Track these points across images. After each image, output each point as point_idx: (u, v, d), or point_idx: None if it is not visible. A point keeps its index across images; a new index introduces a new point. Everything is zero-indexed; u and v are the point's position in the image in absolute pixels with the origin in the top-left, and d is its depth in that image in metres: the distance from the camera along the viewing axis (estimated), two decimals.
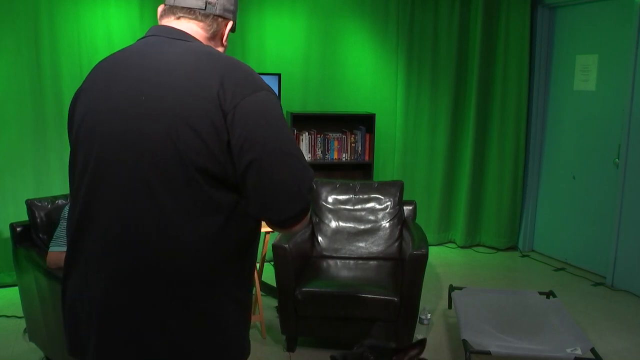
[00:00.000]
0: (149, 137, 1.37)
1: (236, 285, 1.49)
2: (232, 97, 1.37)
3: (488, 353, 3.20)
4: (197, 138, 1.35)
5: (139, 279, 1.39)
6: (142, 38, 1.54)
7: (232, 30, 1.64)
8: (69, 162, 1.55)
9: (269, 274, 5.04)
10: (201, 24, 1.55)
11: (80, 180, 1.48)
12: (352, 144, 5.52)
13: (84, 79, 4.76)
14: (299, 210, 1.41)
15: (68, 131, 1.58)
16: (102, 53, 4.83)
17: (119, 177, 1.40)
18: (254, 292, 4.13)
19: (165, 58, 1.43)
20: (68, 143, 4.84)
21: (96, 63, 4.78)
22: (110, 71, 1.48)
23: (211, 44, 1.58)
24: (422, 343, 2.08)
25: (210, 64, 1.41)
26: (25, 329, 3.79)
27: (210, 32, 1.57)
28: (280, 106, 1.47)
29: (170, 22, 1.55)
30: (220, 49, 1.62)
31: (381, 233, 4.25)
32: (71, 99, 1.57)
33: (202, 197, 1.38)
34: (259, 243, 1.58)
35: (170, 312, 1.40)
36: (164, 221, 1.38)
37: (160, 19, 1.58)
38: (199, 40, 1.54)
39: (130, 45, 1.53)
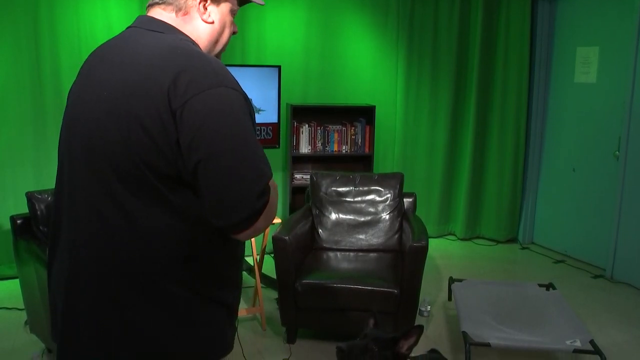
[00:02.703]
0: (106, 134, 1.37)
1: (206, 285, 1.45)
2: (183, 94, 1.30)
3: (488, 345, 3.21)
4: (147, 136, 1.32)
5: (102, 276, 1.40)
6: (128, 28, 1.52)
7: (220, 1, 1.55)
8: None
9: (269, 266, 5.04)
10: (164, 5, 1.49)
11: (59, 178, 1.53)
12: (352, 136, 5.51)
13: None
14: (245, 217, 1.32)
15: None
16: None
17: (82, 176, 1.42)
18: (254, 285, 4.13)
19: (133, 53, 1.41)
20: None
21: None
22: (89, 67, 1.49)
23: (188, 26, 1.50)
24: (419, 330, 2.10)
25: (169, 59, 1.35)
26: (26, 320, 3.80)
27: (175, 11, 1.49)
28: (245, 105, 1.38)
29: (150, 11, 1.52)
30: (204, 29, 1.53)
31: (381, 225, 4.25)
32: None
33: (158, 197, 1.35)
34: (236, 242, 1.51)
35: (134, 311, 1.38)
36: (126, 221, 1.36)
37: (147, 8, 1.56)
38: (176, 28, 1.48)
39: (115, 37, 1.51)
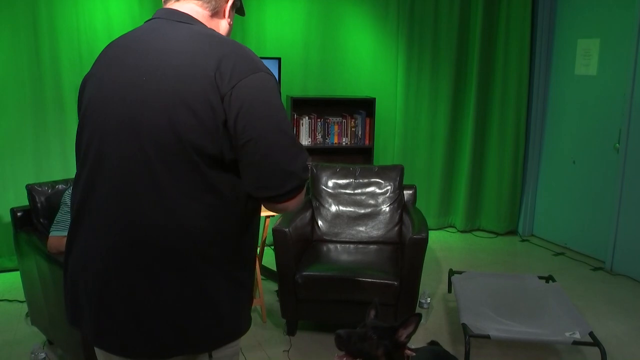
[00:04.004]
0: (148, 117, 1.43)
1: (231, 264, 1.53)
2: (229, 79, 1.41)
3: (487, 337, 3.22)
4: (194, 117, 1.40)
5: (135, 251, 1.45)
6: (148, 21, 1.59)
7: (237, 6, 1.68)
8: (76, 141, 1.61)
9: (269, 258, 5.05)
10: (200, 2, 1.58)
11: (85, 160, 1.55)
12: (352, 128, 5.51)
13: (83, 63, 4.80)
14: (294, 187, 1.47)
15: (78, 113, 1.65)
16: (101, 37, 4.81)
17: (119, 157, 1.46)
18: (254, 276, 4.14)
19: (166, 41, 1.48)
20: (68, 128, 4.86)
21: (96, 48, 4.80)
22: (114, 56, 1.54)
23: (214, 22, 1.61)
24: (417, 318, 2.11)
25: (209, 47, 1.45)
26: (27, 313, 3.81)
27: (210, 9, 1.59)
28: (279, 89, 1.50)
29: (173, 4, 1.59)
30: (225, 27, 1.65)
31: (381, 217, 4.26)
32: (81, 82, 1.65)
33: (198, 175, 1.43)
34: (258, 225, 1.63)
35: (164, 284, 1.45)
36: (161, 197, 1.43)
37: (164, 1, 1.61)
38: (201, 21, 1.57)
39: (136, 29, 1.57)
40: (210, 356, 1.54)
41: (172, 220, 1.44)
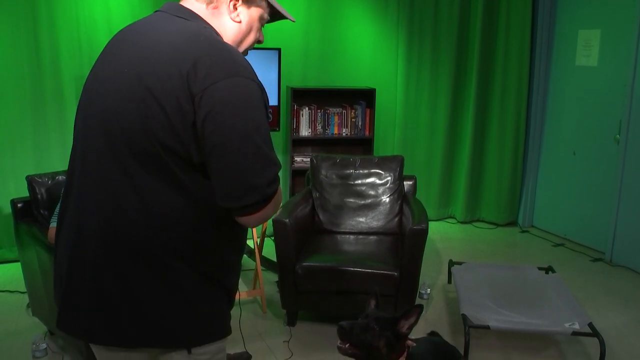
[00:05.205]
0: (122, 110, 1.41)
1: (207, 264, 1.50)
2: (203, 80, 1.36)
3: (487, 327, 3.23)
4: (163, 115, 1.37)
5: (107, 245, 1.45)
6: (155, 12, 1.57)
7: (264, 16, 1.61)
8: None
9: (269, 248, 5.06)
10: None
11: (73, 148, 1.57)
12: (353, 119, 5.50)
13: (82, 55, 4.79)
14: (255, 201, 1.40)
15: None
16: (101, 29, 4.79)
17: (96, 147, 1.46)
18: (254, 267, 4.15)
19: (158, 35, 1.45)
20: (68, 119, 4.85)
21: (95, 39, 4.80)
22: (114, 46, 1.53)
23: (215, 20, 1.55)
24: (419, 309, 2.13)
25: (190, 44, 1.40)
26: (28, 304, 3.82)
27: (207, 3, 1.54)
28: (261, 95, 1.43)
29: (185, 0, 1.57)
30: (232, 27, 1.58)
31: (381, 208, 4.26)
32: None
33: (168, 174, 1.41)
34: (243, 228, 1.57)
35: (133, 279, 1.44)
36: (133, 193, 1.42)
37: None
38: (202, 18, 1.53)
39: (141, 20, 1.56)
40: (190, 352, 1.51)
41: (148, 220, 1.42)
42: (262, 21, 1.63)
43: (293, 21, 1.73)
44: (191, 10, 1.53)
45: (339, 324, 2.09)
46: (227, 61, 1.40)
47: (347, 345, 2.11)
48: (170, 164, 1.39)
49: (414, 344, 2.22)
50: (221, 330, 1.57)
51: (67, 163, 5.06)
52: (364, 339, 2.10)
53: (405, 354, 2.18)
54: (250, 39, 1.63)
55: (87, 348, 2.93)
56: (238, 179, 1.38)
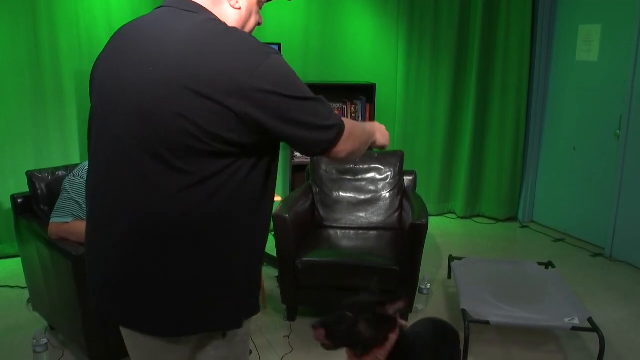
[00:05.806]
0: (158, 109, 1.41)
1: (235, 250, 1.54)
2: (245, 68, 1.38)
3: (487, 322, 3.23)
4: (206, 109, 1.38)
5: (134, 237, 1.48)
6: (157, 8, 1.57)
7: None
8: (89, 121, 1.63)
9: (269, 244, 5.06)
10: None
11: (93, 149, 1.58)
12: (353, 114, 5.49)
13: (82, 50, 4.78)
14: (332, 138, 1.52)
15: (89, 93, 1.67)
16: (101, 24, 4.78)
17: (126, 147, 1.47)
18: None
19: (172, 30, 1.45)
20: (67, 114, 4.85)
21: (95, 34, 4.79)
22: (125, 42, 1.52)
23: (216, 9, 1.55)
24: (405, 298, 2.06)
25: (216, 36, 1.42)
26: (29, 299, 3.83)
27: None
28: (289, 69, 1.49)
29: None
30: (233, 14, 1.59)
31: (381, 203, 4.26)
32: (93, 63, 1.64)
33: (202, 162, 1.43)
34: (267, 212, 1.63)
35: (168, 260, 1.48)
36: (166, 183, 1.44)
37: None
38: (206, 9, 1.53)
39: (146, 15, 1.56)
40: (224, 336, 1.58)
41: (178, 207, 1.45)
42: (260, 4, 1.64)
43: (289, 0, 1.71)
44: (196, 3, 1.53)
45: (312, 326, 2.01)
46: (255, 46, 1.43)
47: (328, 342, 2.02)
48: (204, 160, 1.42)
49: (406, 323, 2.17)
50: (251, 309, 1.64)
51: (67, 158, 5.08)
52: (342, 333, 2.01)
53: (397, 331, 2.10)
54: (252, 23, 1.64)
55: (88, 342, 2.93)
56: (305, 143, 1.50)
